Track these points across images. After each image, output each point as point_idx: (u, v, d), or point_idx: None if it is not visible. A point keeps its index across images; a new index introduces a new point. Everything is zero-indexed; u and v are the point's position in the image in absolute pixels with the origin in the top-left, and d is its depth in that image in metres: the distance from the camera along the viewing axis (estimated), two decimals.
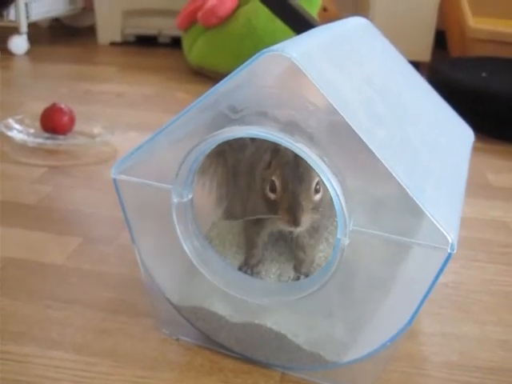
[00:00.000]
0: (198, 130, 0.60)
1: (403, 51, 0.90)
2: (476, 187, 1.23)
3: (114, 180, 0.64)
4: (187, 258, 0.65)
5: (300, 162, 0.61)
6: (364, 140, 0.53)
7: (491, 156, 1.44)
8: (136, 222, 0.67)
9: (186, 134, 0.61)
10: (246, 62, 0.57)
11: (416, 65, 0.93)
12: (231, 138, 0.59)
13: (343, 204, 0.54)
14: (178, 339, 0.72)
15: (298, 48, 0.57)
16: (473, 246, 1.00)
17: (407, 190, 0.53)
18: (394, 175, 0.53)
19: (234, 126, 0.57)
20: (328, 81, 0.57)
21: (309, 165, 0.59)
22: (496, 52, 1.97)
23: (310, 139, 0.57)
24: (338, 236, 0.56)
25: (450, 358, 0.72)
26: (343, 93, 0.58)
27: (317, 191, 0.62)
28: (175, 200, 0.62)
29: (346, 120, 0.54)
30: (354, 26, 0.81)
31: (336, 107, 0.54)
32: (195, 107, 0.59)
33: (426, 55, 2.25)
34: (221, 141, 0.59)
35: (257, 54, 0.56)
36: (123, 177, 0.63)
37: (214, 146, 0.60)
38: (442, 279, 0.87)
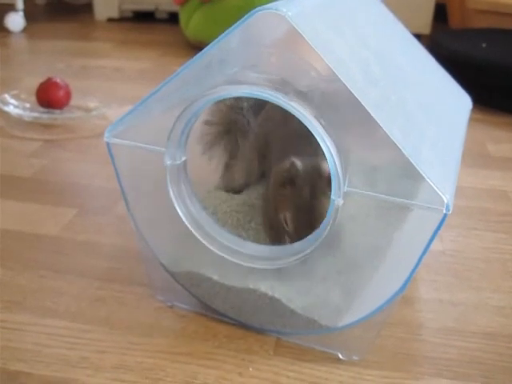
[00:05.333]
0: (191, 94, 0.59)
1: (403, 23, 0.89)
2: (476, 157, 1.22)
3: (108, 144, 0.63)
4: (182, 222, 0.64)
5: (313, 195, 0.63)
6: (358, 99, 0.52)
7: (491, 126, 1.43)
8: (130, 187, 0.66)
9: (179, 99, 0.60)
10: (239, 21, 0.55)
11: (416, 37, 0.92)
12: (223, 98, 0.57)
13: (337, 164, 0.53)
14: (172, 306, 0.72)
15: (294, 7, 0.56)
16: (471, 214, 0.99)
17: (403, 151, 0.52)
18: (390, 136, 0.52)
19: (226, 85, 0.56)
20: (323, 40, 0.56)
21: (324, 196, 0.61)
22: (496, 23, 1.95)
23: (305, 99, 0.56)
24: (332, 197, 0.55)
25: (446, 323, 0.72)
26: (338, 53, 0.57)
27: None
28: (168, 162, 0.61)
29: (341, 79, 0.52)
30: None
31: (331, 66, 0.53)
32: (188, 67, 0.58)
33: (426, 27, 2.23)
34: (213, 101, 0.58)
35: (251, 12, 0.54)
36: (116, 140, 0.62)
37: (206, 106, 0.58)
38: (439, 247, 0.88)
